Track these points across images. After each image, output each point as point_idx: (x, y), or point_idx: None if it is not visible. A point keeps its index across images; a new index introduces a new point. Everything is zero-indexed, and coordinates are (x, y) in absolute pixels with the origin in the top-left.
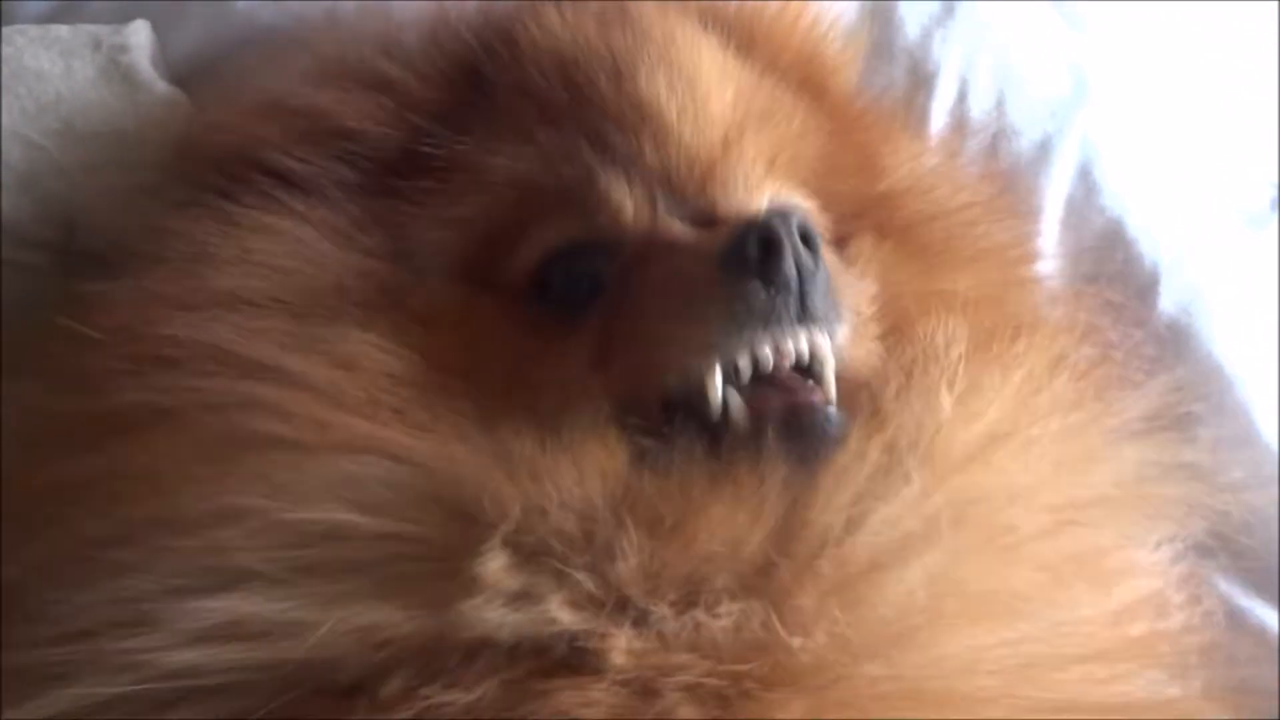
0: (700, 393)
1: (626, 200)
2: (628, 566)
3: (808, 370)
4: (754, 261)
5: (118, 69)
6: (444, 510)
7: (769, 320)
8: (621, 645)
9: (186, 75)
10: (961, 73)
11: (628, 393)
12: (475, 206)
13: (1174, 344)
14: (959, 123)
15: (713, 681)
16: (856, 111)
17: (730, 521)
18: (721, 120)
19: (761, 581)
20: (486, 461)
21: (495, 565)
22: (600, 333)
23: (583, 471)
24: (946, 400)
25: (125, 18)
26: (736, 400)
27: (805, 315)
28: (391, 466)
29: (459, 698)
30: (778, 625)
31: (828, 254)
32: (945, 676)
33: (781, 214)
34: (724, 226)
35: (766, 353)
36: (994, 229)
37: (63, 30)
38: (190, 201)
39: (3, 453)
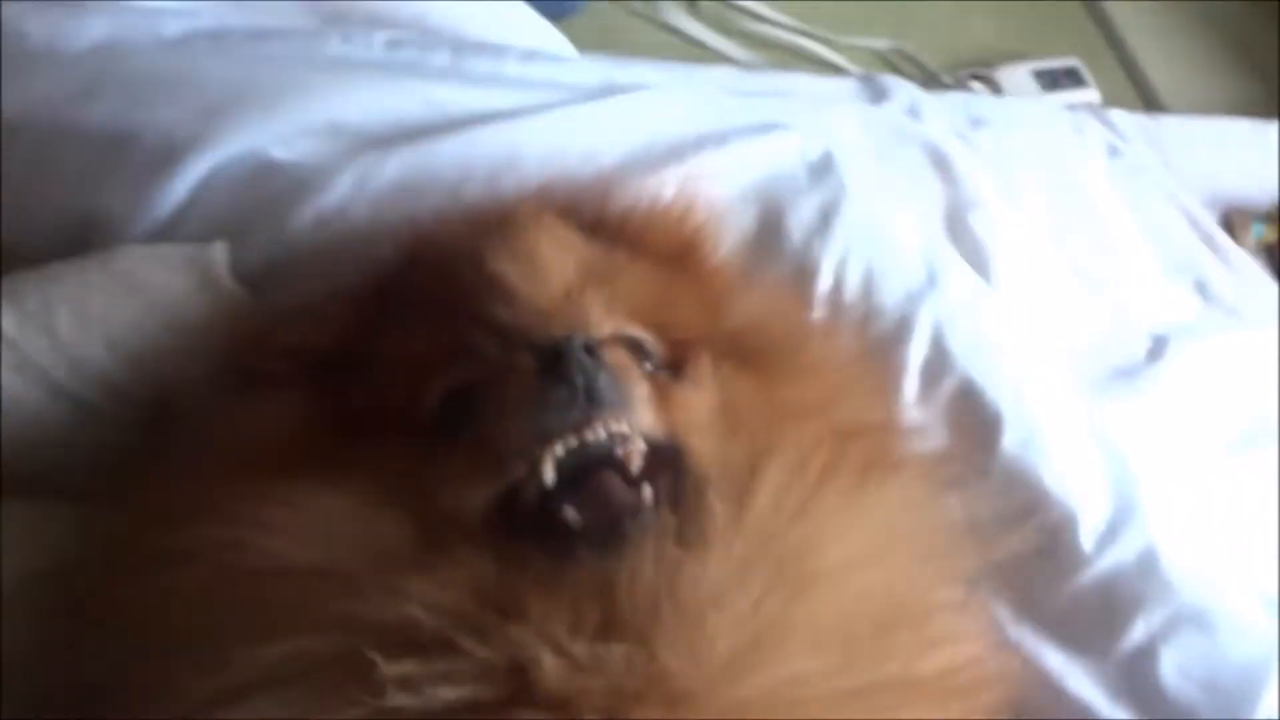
0: (538, 478)
1: (490, 348)
2: (493, 650)
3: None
4: (552, 365)
5: (206, 278)
6: (357, 627)
7: (566, 408)
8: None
9: (253, 286)
10: (836, 269)
11: (490, 486)
12: (390, 377)
13: (1010, 474)
14: (835, 305)
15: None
16: (707, 272)
17: (563, 606)
18: (561, 282)
19: (627, 632)
20: (383, 582)
21: (392, 671)
22: (472, 441)
23: (449, 583)
24: (765, 478)
25: (209, 238)
26: (572, 513)
27: (595, 401)
28: (331, 590)
29: None
30: (654, 658)
31: (624, 360)
32: (777, 699)
33: (568, 335)
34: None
35: (571, 436)
36: (821, 348)
37: (167, 250)
38: (215, 388)
39: (92, 568)
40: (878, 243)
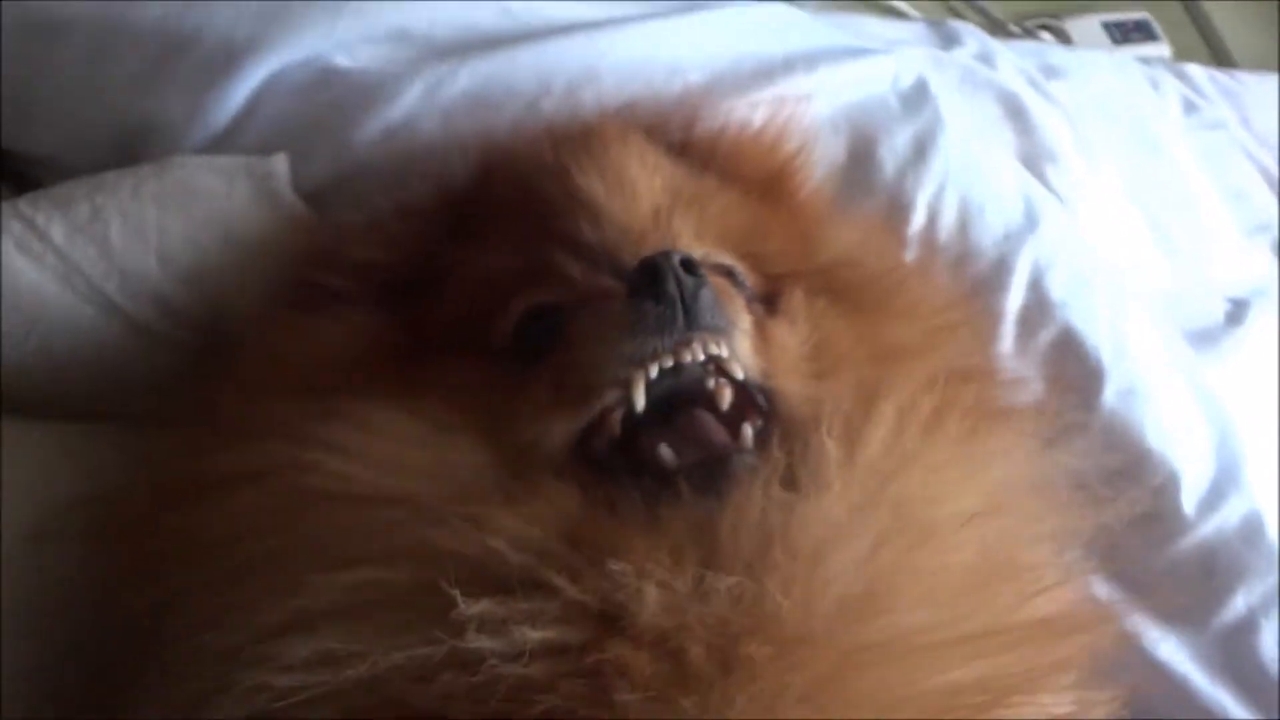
0: (628, 405)
1: (573, 269)
2: (585, 589)
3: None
4: (645, 283)
5: (266, 191)
6: (435, 560)
7: (663, 330)
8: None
9: (312, 201)
10: (930, 202)
11: (576, 417)
12: (466, 295)
13: (1112, 430)
14: (928, 242)
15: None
16: (798, 204)
17: (664, 547)
18: (650, 202)
19: (734, 569)
20: (464, 516)
21: (473, 610)
22: (554, 368)
23: (537, 518)
24: (877, 421)
25: (269, 150)
26: (668, 452)
27: (694, 324)
28: (407, 519)
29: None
30: (765, 596)
31: (723, 284)
32: (889, 650)
33: (664, 251)
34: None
35: (667, 357)
36: (920, 289)
37: (224, 160)
38: (279, 303)
39: (136, 498)
40: (974, 178)
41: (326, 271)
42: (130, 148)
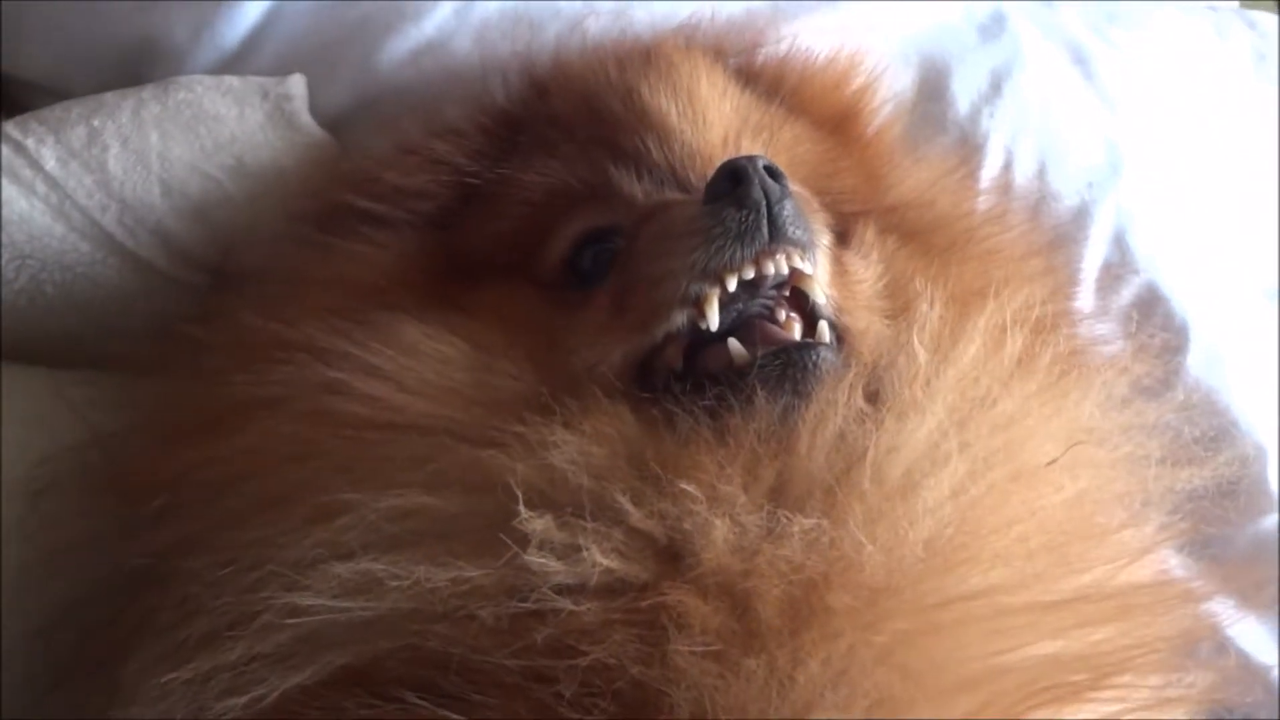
0: (699, 322)
1: (635, 189)
2: (650, 515)
3: (799, 309)
4: (726, 189)
5: (282, 115)
6: (489, 483)
7: (744, 237)
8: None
9: (334, 126)
10: (1007, 144)
11: (640, 339)
12: (513, 216)
13: (1198, 399)
14: (1004, 187)
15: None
16: (870, 140)
17: (736, 463)
18: (720, 125)
19: (812, 500)
20: (519, 436)
21: (536, 526)
22: (613, 289)
23: (598, 438)
24: (969, 339)
25: (284, 72)
26: (738, 346)
27: (777, 235)
28: (451, 444)
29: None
30: (845, 537)
31: (806, 195)
32: (972, 611)
33: (748, 155)
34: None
35: (749, 266)
36: (998, 235)
37: (235, 81)
38: (306, 232)
39: (142, 440)
40: (1055, 119)
41: (361, 195)
42: (132, 70)
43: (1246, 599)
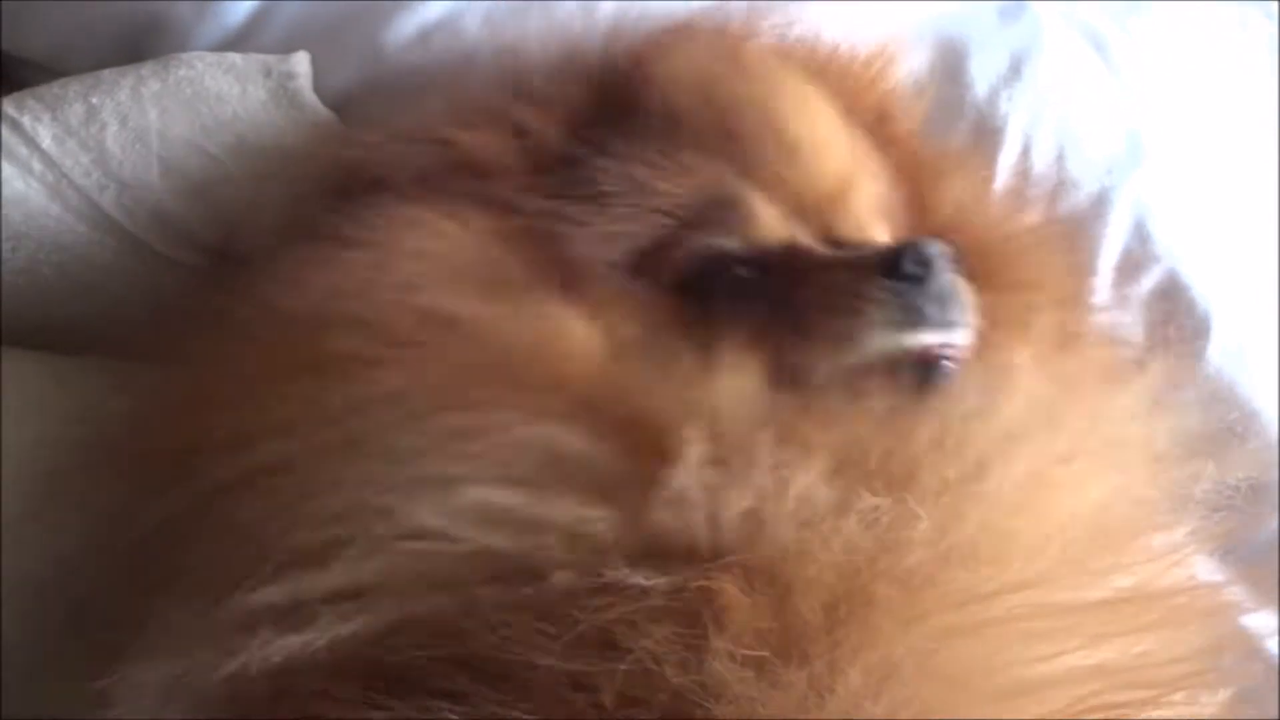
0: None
1: (769, 218)
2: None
3: None
4: (915, 272)
5: (286, 93)
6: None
7: (919, 322)
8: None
9: (340, 106)
10: (1025, 129)
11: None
12: (637, 221)
13: (1219, 384)
14: (1022, 174)
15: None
16: (915, 158)
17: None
18: (841, 162)
19: (883, 482)
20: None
21: (688, 464)
22: (758, 331)
23: (740, 390)
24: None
25: (289, 51)
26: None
27: (946, 322)
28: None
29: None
30: (903, 515)
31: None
32: (1011, 591)
33: (930, 240)
34: (863, 247)
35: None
36: (1038, 260)
37: (237, 58)
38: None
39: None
40: (1075, 103)
41: (413, 159)
42: (134, 49)
43: (1267, 596)
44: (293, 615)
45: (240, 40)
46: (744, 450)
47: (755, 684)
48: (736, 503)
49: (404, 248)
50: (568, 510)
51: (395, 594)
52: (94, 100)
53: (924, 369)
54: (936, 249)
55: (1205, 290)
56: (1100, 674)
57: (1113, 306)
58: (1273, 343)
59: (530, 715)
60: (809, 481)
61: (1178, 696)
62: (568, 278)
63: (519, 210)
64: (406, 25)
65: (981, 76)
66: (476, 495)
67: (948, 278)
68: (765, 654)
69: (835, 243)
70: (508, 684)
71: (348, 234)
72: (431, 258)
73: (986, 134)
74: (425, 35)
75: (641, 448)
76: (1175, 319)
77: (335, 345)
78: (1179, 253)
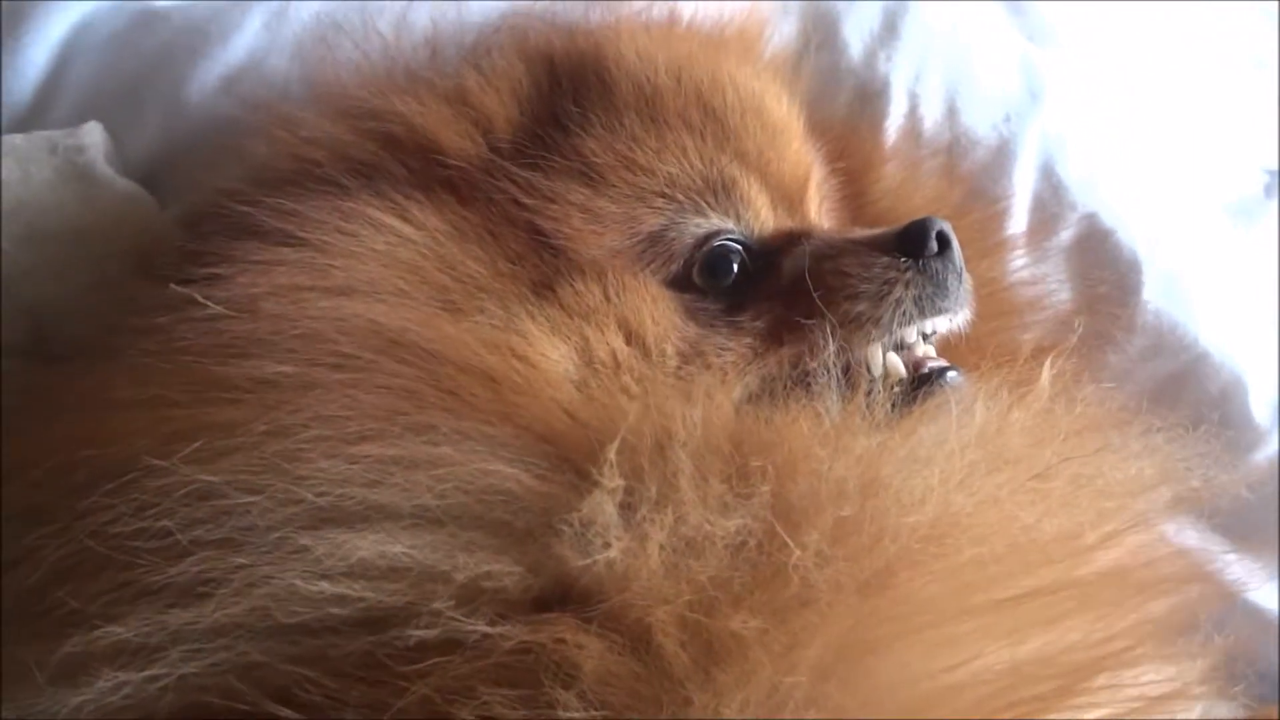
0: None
1: (764, 203)
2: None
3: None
4: (932, 250)
5: (75, 169)
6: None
7: (943, 298)
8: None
9: (147, 172)
10: (910, 88)
11: (792, 361)
12: (628, 203)
13: (1160, 331)
14: (913, 135)
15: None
16: (842, 144)
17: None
18: (805, 148)
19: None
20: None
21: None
22: (773, 314)
23: (706, 420)
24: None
25: (91, 119)
26: (895, 359)
27: (965, 296)
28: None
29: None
30: (782, 543)
31: None
32: (916, 613)
33: (939, 219)
34: (874, 229)
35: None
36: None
37: (17, 139)
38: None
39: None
40: (961, 54)
41: (365, 146)
42: None
43: (1245, 542)
44: (140, 653)
45: (36, 113)
46: (658, 490)
47: None
48: (619, 546)
49: (342, 249)
50: (470, 562)
51: (254, 636)
52: None
53: (925, 378)
54: (949, 225)
55: (1130, 232)
56: (1014, 673)
57: (1031, 264)
58: (1214, 276)
59: None
60: (700, 518)
61: (1099, 680)
62: (547, 274)
63: (484, 194)
64: (208, 75)
65: (856, 38)
66: (374, 545)
67: (959, 253)
68: (627, 701)
69: (807, 230)
70: None
71: (273, 229)
72: (374, 261)
73: (869, 99)
74: (230, 82)
75: (577, 488)
76: (1102, 269)
77: (256, 370)
78: (1098, 193)
